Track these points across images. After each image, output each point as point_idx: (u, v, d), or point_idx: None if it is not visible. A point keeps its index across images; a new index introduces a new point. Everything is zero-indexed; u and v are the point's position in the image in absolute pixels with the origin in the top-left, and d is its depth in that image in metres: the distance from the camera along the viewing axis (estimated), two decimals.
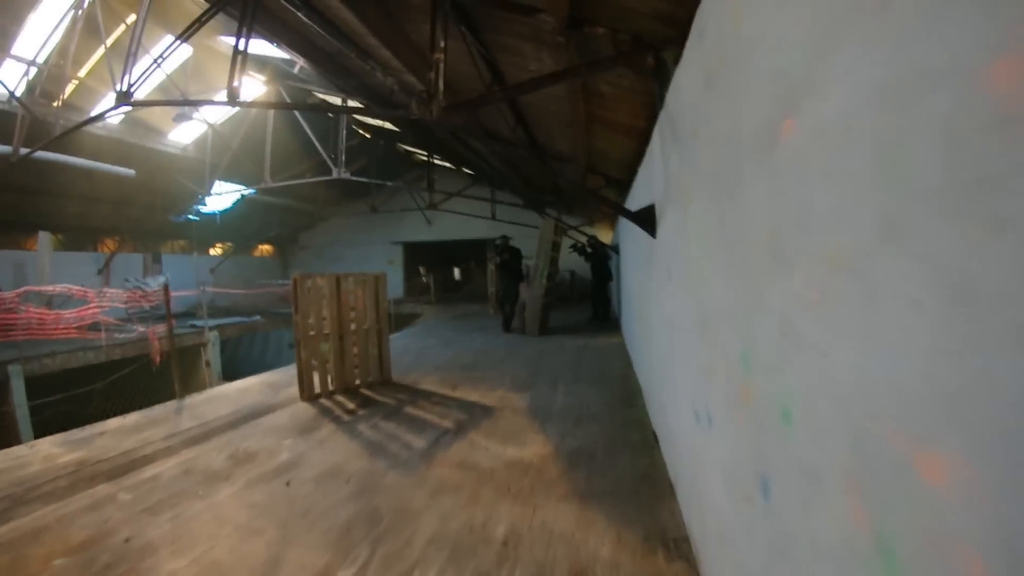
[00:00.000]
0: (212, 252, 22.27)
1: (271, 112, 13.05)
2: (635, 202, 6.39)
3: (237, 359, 21.68)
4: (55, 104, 10.53)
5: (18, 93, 9.93)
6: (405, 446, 4.50)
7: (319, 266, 24.90)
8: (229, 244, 22.10)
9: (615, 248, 11.52)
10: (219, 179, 14.85)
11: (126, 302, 11.13)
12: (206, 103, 5.78)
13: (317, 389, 6.23)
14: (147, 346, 10.28)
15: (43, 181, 13.02)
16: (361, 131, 16.95)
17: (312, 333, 6.14)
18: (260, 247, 25.45)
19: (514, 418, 5.17)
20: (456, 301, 22.06)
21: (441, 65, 3.95)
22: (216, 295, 17.34)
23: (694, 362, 2.76)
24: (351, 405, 5.83)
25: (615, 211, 5.57)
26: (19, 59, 10.19)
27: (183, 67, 11.72)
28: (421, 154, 18.40)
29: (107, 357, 10.96)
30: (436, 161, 19.21)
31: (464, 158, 14.80)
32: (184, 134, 14.61)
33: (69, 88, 10.90)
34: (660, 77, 3.44)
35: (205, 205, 16.87)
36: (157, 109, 12.55)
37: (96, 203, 15.38)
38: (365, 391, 6.39)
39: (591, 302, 13.32)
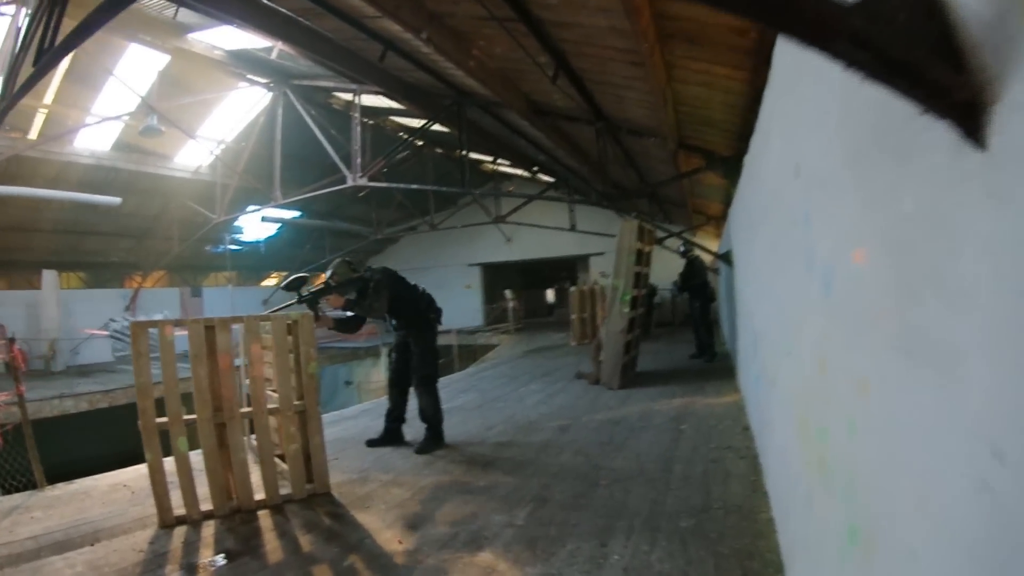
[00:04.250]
0: (265, 283, 20.93)
1: (278, 120, 11.31)
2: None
3: None
4: (29, 137, 10.34)
5: None
6: None
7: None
8: (283, 273, 20.66)
9: (725, 257, 8.22)
10: (252, 202, 13.25)
11: None
12: None
13: (180, 510, 3.64)
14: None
15: (36, 217, 12.59)
16: (406, 135, 14.79)
17: (161, 420, 3.58)
18: (322, 276, 23.90)
19: None
20: (542, 329, 19.80)
21: None
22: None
23: None
24: (217, 549, 3.27)
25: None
26: None
27: (163, 76, 10.41)
28: (486, 160, 16.06)
29: None
30: (504, 169, 16.86)
31: (526, 155, 12.16)
32: (190, 156, 13.47)
33: (39, 119, 10.44)
34: None
35: (242, 233, 15.44)
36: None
37: (116, 238, 14.96)
38: (266, 516, 3.73)
39: (695, 334, 10.11)
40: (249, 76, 10.97)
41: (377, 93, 9.60)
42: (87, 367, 13.96)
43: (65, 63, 9.40)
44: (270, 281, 21.53)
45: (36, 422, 8.11)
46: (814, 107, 1.86)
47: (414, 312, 5.33)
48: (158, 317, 13.62)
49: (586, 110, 7.22)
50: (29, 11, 4.28)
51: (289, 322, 3.97)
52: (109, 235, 14.62)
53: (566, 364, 10.59)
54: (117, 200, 11.25)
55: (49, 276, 13.01)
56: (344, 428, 6.26)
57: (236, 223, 15.82)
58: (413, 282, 5.52)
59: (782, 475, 2.94)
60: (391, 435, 5.41)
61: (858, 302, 1.43)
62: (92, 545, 3.37)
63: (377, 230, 19.71)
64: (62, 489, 4.44)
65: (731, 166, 7.93)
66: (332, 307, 4.98)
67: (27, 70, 4.71)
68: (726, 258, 8.01)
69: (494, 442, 5.36)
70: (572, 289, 15.16)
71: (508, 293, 21.01)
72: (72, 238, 14.10)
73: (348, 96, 10.74)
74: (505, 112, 8.56)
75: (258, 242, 17.78)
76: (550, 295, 30.71)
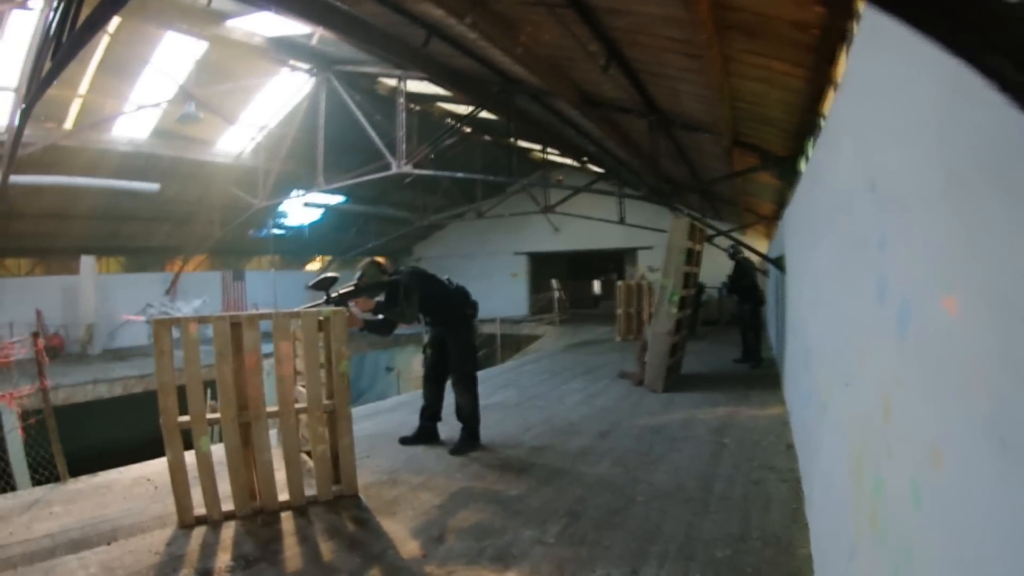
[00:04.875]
0: (310, 267, 21.14)
1: (321, 106, 11.28)
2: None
3: None
4: (66, 127, 10.49)
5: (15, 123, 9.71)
6: None
7: None
8: (327, 258, 20.80)
9: (777, 263, 7.81)
10: (295, 187, 13.32)
11: None
12: None
13: (200, 510, 3.59)
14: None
15: (74, 204, 12.82)
16: (453, 122, 14.65)
17: (183, 419, 3.51)
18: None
19: None
20: (587, 321, 19.56)
21: None
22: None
23: None
24: (235, 553, 3.19)
25: None
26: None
27: (201, 63, 10.46)
28: (535, 148, 15.79)
29: None
30: (554, 158, 16.57)
31: (576, 145, 11.88)
32: (232, 142, 13.49)
33: (75, 108, 10.61)
34: None
35: (285, 217, 15.51)
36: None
37: (157, 223, 15.16)
38: (289, 518, 3.64)
39: (741, 337, 9.68)
40: (291, 62, 10.96)
41: (423, 79, 9.45)
42: (124, 351, 14.22)
43: (99, 53, 9.58)
44: (314, 265, 21.75)
45: (70, 407, 8.30)
46: (900, 118, 1.60)
47: (448, 310, 5.15)
48: (197, 302, 13.93)
49: (639, 102, 6.93)
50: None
51: (320, 319, 3.87)
52: (149, 220, 14.80)
53: (609, 362, 10.33)
54: (155, 186, 11.44)
55: (87, 261, 13.29)
56: (378, 423, 6.16)
57: (280, 208, 15.93)
58: (446, 276, 5.32)
59: (826, 511, 2.70)
60: (425, 433, 5.27)
61: (942, 356, 1.20)
62: (109, 544, 3.31)
63: (423, 216, 19.64)
64: (85, 482, 4.44)
65: (786, 167, 7.56)
66: (361, 310, 4.80)
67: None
68: (778, 263, 7.61)
69: (531, 445, 5.20)
70: (619, 283, 14.83)
71: (554, 283, 20.77)
72: (112, 223, 14.29)
73: (393, 82, 10.60)
74: (554, 101, 8.32)
75: (302, 227, 17.86)
76: (596, 287, 30.30)
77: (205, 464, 3.56)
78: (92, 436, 9.36)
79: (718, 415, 6.09)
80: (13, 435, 7.75)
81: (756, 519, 3.45)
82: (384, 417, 6.45)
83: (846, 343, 2.41)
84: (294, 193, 13.64)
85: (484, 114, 11.65)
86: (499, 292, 22.90)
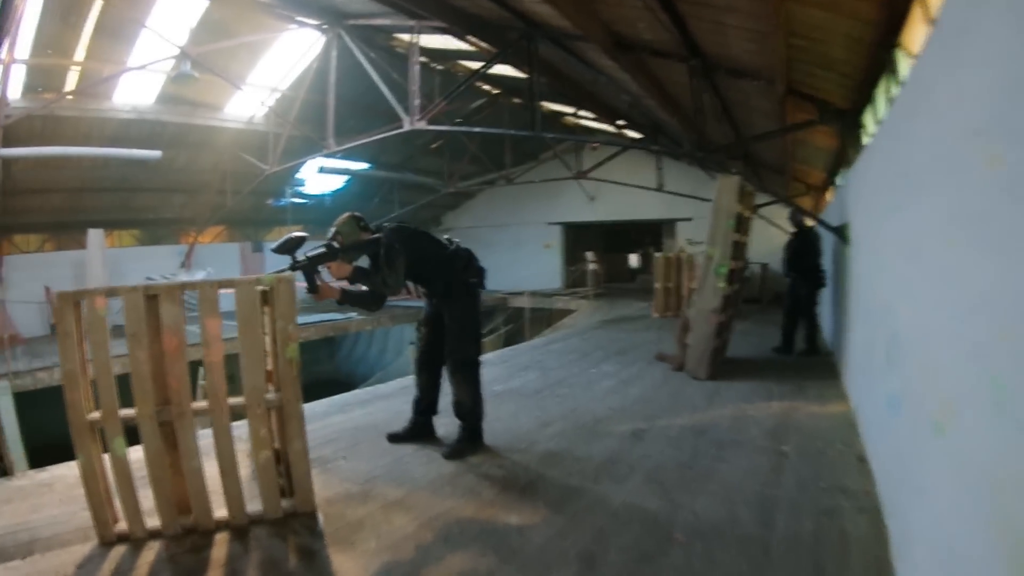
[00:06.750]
0: None
1: (331, 62, 10.53)
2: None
3: (352, 359, 21.46)
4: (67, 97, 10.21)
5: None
6: None
7: None
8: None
9: (840, 232, 6.74)
10: (307, 153, 12.80)
11: None
12: None
13: (122, 525, 2.98)
14: None
15: (80, 177, 12.55)
16: (487, 86, 13.83)
17: (93, 416, 2.85)
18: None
19: None
20: (623, 296, 18.64)
21: None
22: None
23: None
24: None
25: None
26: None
27: (202, 23, 9.93)
28: (567, 112, 14.87)
29: None
30: (587, 123, 15.63)
31: (610, 105, 10.96)
32: (242, 106, 13.02)
33: (72, 77, 10.33)
34: None
35: (303, 186, 14.97)
36: (203, 82, 10.79)
37: (168, 194, 14.78)
38: (224, 542, 2.98)
39: (786, 321, 8.18)
40: (298, 18, 10.29)
41: (438, 30, 8.63)
42: None
43: (92, 16, 9.13)
44: None
45: (57, 389, 7.84)
46: None
47: (446, 275, 4.18)
48: (200, 274, 13.53)
49: (678, 43, 6.01)
50: None
51: (261, 288, 3.12)
52: (160, 191, 14.48)
53: (646, 341, 9.51)
54: (157, 154, 10.91)
55: (94, 235, 12.90)
56: (371, 412, 5.40)
57: (297, 175, 15.43)
58: (445, 236, 4.38)
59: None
60: (417, 429, 4.45)
61: None
62: (24, 559, 2.80)
63: (450, 183, 18.93)
64: (30, 478, 3.89)
65: (848, 121, 6.57)
66: (336, 277, 3.87)
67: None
68: (841, 232, 6.55)
69: (544, 450, 4.34)
70: (657, 256, 13.92)
71: (589, 255, 19.89)
72: (121, 196, 13.97)
73: (407, 36, 9.81)
74: (583, 49, 7.42)
75: (324, 195, 17.35)
76: (633, 260, 29.24)
77: (121, 471, 2.90)
78: None
79: (773, 412, 5.23)
80: None
81: (831, 571, 2.64)
82: (379, 405, 5.65)
83: (994, 336, 1.58)
84: (308, 158, 12.98)
85: (509, 71, 10.81)
86: (531, 263, 22.27)
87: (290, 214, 17.49)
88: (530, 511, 3.30)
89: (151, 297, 2.86)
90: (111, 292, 2.88)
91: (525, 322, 18.68)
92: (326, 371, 20.81)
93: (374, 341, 19.64)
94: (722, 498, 3.42)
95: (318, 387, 18.47)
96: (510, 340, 17.41)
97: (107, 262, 13.30)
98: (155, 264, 14.47)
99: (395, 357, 18.03)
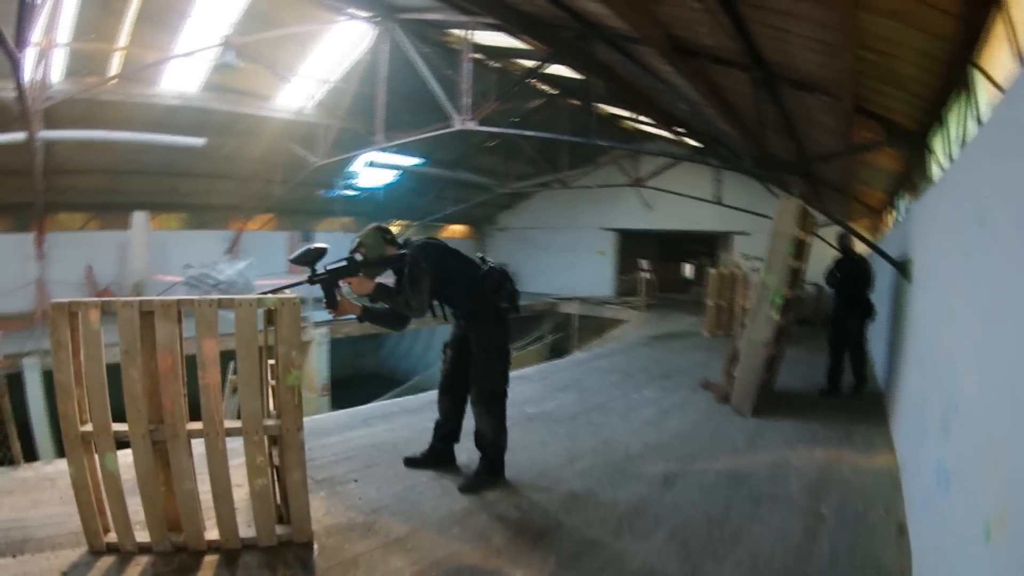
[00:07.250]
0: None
1: (383, 57, 10.46)
2: None
3: (395, 355, 21.53)
4: (111, 82, 10.24)
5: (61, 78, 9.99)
6: None
7: (517, 253, 22.49)
8: (405, 222, 20.29)
9: (902, 268, 6.06)
10: (356, 146, 12.94)
11: None
12: None
13: (112, 537, 2.90)
14: None
15: (125, 160, 12.69)
16: (544, 86, 13.55)
17: (85, 429, 2.74)
18: (449, 227, 23.69)
19: None
20: (674, 308, 18.21)
21: None
22: None
23: None
24: None
25: None
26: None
27: (249, 12, 9.92)
28: (625, 116, 14.47)
29: None
30: (646, 128, 15.20)
31: (668, 111, 10.54)
32: (292, 97, 13.03)
33: (116, 62, 10.40)
34: None
35: (356, 179, 15.03)
36: (251, 72, 10.91)
37: (216, 180, 14.96)
38: (212, 565, 2.84)
39: (831, 357, 7.33)
40: (348, 10, 10.21)
41: (492, 27, 8.41)
42: None
43: (136, 3, 9.22)
44: (393, 229, 21.56)
45: None
46: None
47: (474, 298, 3.92)
48: (241, 264, 13.45)
49: (740, 51, 5.62)
50: None
51: (266, 309, 2.94)
52: (208, 177, 14.56)
53: (693, 364, 9.16)
54: (200, 141, 11.01)
55: (139, 217, 13.11)
56: (394, 427, 5.21)
57: (350, 169, 15.53)
58: (479, 254, 4.14)
59: None
60: (436, 455, 4.23)
61: None
62: (15, 556, 2.83)
63: (505, 183, 18.77)
64: (35, 471, 3.88)
65: (915, 144, 6.06)
66: (357, 293, 3.63)
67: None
68: (903, 268, 5.94)
69: (568, 490, 4.03)
70: (711, 271, 13.43)
71: (644, 263, 19.41)
72: (169, 180, 14.10)
73: (460, 32, 9.66)
74: (642, 52, 7.08)
75: (377, 189, 17.40)
76: (687, 270, 28.56)
77: (112, 485, 2.83)
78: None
79: (816, 461, 4.80)
80: None
81: None
82: (404, 420, 5.45)
83: None
84: (357, 152, 13.01)
85: (565, 71, 10.52)
86: (583, 269, 21.95)
87: (340, 206, 17.58)
88: (539, 566, 3.01)
89: (146, 314, 2.73)
90: (106, 306, 2.76)
91: (573, 330, 18.36)
92: (369, 365, 20.94)
93: (419, 338, 19.63)
94: (748, 568, 3.07)
95: (360, 381, 18.75)
96: (556, 349, 17.13)
97: (151, 244, 13.59)
98: (200, 249, 14.56)
99: (438, 357, 18.03)
